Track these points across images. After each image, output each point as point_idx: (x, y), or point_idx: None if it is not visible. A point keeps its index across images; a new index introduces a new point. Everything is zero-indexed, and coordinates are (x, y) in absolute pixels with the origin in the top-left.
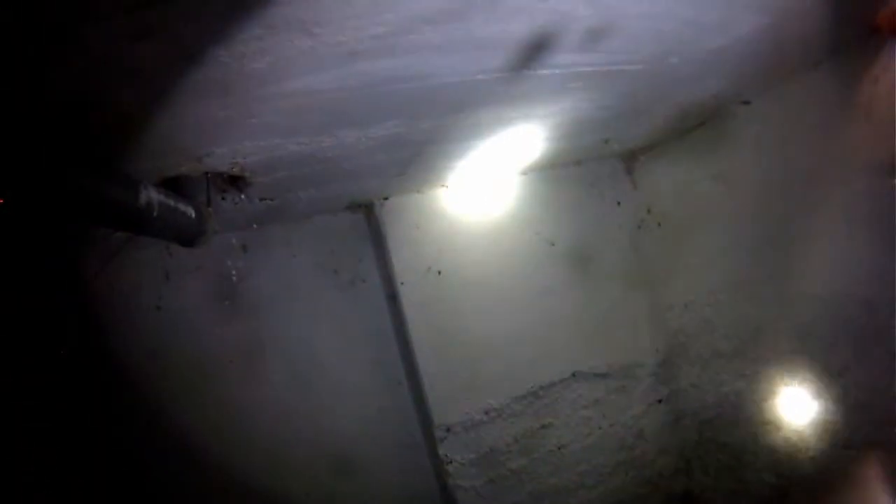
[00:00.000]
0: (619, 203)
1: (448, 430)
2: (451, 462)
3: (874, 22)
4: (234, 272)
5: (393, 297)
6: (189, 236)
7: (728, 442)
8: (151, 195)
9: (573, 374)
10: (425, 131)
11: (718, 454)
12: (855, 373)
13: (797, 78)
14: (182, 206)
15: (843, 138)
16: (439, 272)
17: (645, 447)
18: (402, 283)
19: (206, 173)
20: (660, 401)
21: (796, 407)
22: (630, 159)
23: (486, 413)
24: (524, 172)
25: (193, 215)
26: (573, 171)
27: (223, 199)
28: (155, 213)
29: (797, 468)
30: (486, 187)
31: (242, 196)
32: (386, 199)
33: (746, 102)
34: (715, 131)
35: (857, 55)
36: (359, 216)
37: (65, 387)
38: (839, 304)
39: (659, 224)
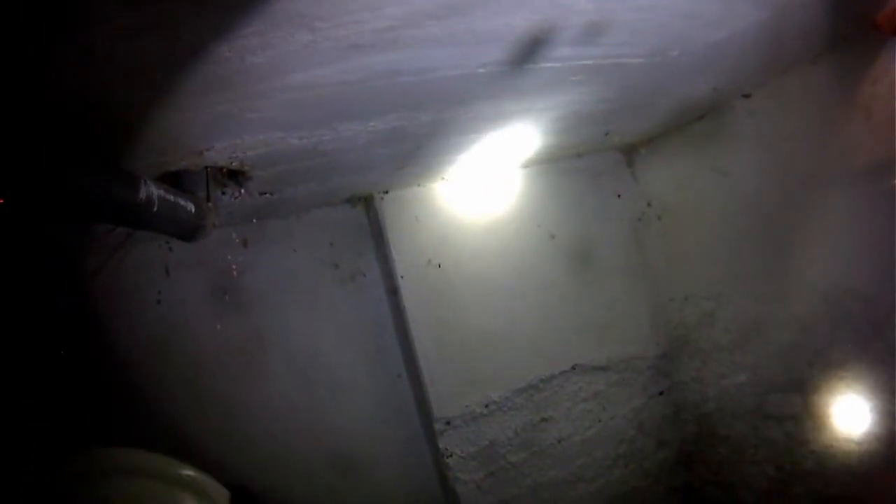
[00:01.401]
0: (619, 196)
1: (448, 423)
2: (451, 455)
3: (874, 20)
4: (233, 266)
5: (393, 291)
6: (189, 231)
7: (728, 435)
8: (151, 190)
9: (573, 367)
10: (426, 125)
11: (719, 447)
12: (855, 366)
13: (796, 72)
14: (182, 201)
15: (842, 133)
16: (439, 265)
17: (645, 440)
18: (402, 277)
19: (206, 168)
20: (660, 393)
21: (796, 400)
22: (630, 152)
23: (486, 406)
24: (525, 165)
25: (193, 210)
26: (574, 163)
27: (223, 193)
28: (155, 208)
29: (797, 462)
30: (487, 180)
31: (242, 190)
32: (386, 192)
33: (747, 96)
34: (714, 124)
35: (855, 50)
36: (359, 210)
37: (65, 387)
38: (839, 298)
39: (659, 217)
